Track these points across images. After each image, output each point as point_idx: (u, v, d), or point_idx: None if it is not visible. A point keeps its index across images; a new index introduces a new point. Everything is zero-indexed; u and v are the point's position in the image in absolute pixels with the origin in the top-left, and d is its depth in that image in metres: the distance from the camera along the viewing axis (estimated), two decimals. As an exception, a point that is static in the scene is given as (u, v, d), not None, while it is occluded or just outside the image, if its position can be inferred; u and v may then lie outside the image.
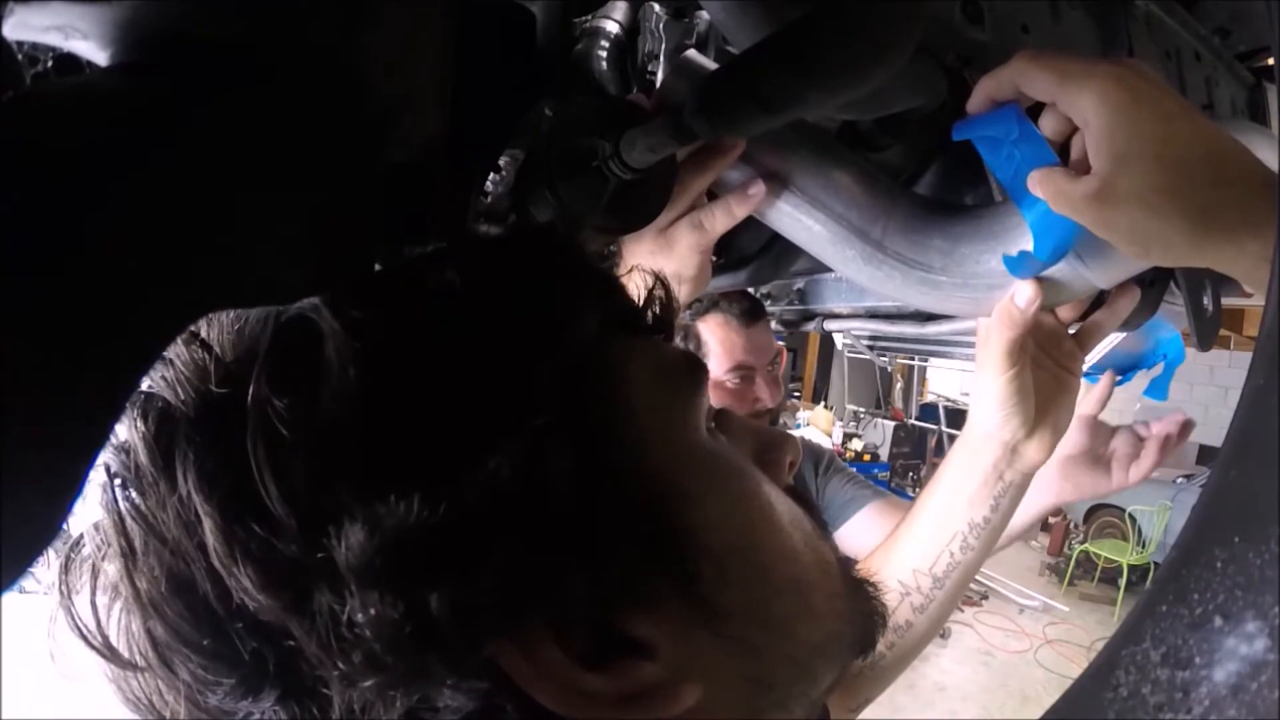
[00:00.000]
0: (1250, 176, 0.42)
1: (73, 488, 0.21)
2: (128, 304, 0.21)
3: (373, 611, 0.24)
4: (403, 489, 0.24)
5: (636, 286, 0.38)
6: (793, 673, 0.32)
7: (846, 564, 0.37)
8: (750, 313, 1.21)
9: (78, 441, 0.21)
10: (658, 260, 0.64)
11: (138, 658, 0.27)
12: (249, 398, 0.25)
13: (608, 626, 0.28)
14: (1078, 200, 0.45)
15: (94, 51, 0.25)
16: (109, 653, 0.27)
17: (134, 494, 0.26)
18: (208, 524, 0.25)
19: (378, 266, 0.32)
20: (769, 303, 1.19)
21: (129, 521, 0.26)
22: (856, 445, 6.40)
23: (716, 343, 1.21)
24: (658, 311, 0.38)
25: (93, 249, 0.20)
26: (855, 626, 0.35)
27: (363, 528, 0.24)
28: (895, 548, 0.71)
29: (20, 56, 0.28)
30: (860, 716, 1.26)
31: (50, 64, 0.30)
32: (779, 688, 0.32)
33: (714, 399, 1.24)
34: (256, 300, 0.27)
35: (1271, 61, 0.79)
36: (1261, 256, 0.41)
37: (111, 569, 0.27)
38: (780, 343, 1.30)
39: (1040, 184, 0.47)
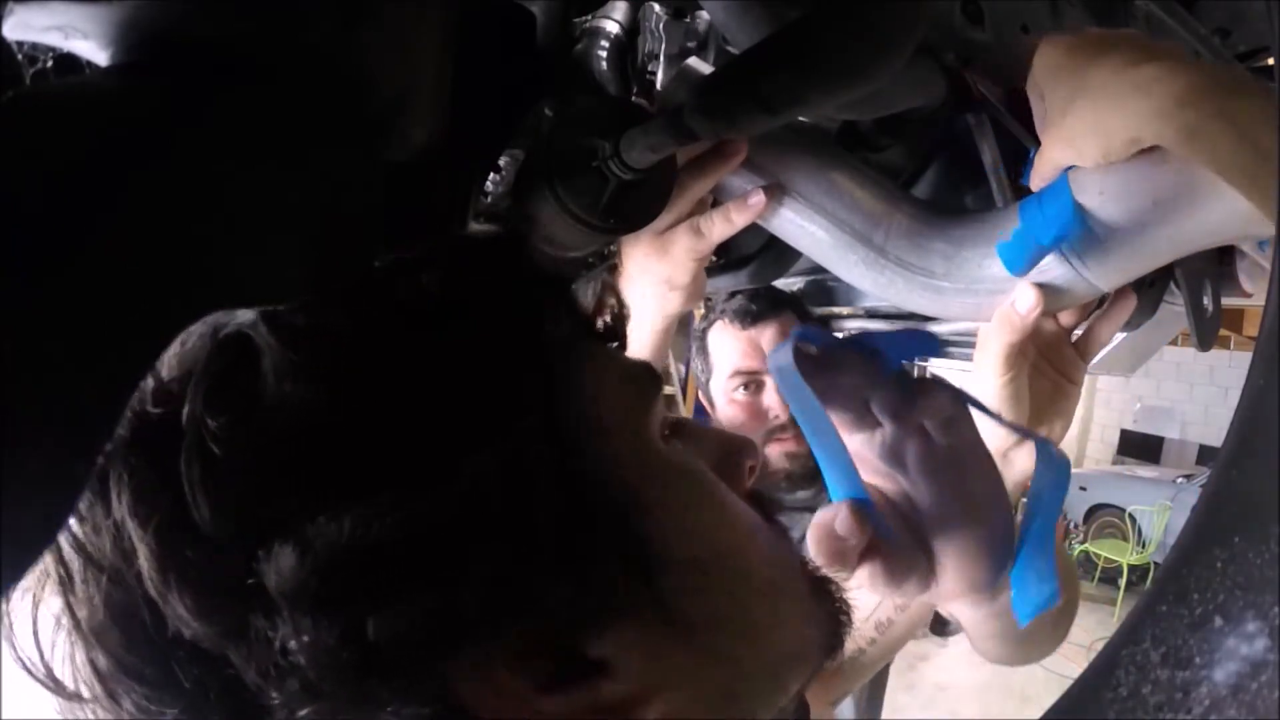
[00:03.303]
0: (1144, 45, 0.42)
1: (73, 488, 0.21)
2: (128, 304, 0.21)
3: (306, 638, 0.23)
4: (334, 509, 0.24)
5: (585, 295, 0.37)
6: (763, 682, 0.32)
7: (808, 566, 0.36)
8: (747, 312, 1.09)
9: (78, 441, 0.21)
10: (652, 264, 0.64)
11: (83, 689, 0.26)
12: (184, 417, 0.25)
13: (569, 644, 0.27)
14: (1049, 147, 0.47)
15: (94, 51, 0.25)
16: (53, 684, 0.26)
17: (71, 520, 0.25)
18: (142, 550, 0.24)
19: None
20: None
21: (66, 549, 0.25)
22: (856, 445, 6.39)
23: (717, 350, 1.12)
24: (609, 319, 0.37)
25: (93, 249, 0.20)
26: (822, 629, 0.34)
27: (294, 549, 0.23)
28: None
29: (20, 56, 0.28)
30: (859, 716, 1.26)
31: (50, 64, 0.30)
32: (749, 697, 0.31)
33: (729, 415, 1.17)
34: (257, 300, 0.27)
35: (1271, 61, 0.79)
36: (1184, 127, 0.39)
37: (53, 599, 0.26)
38: None
39: (1036, 167, 0.49)
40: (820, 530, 0.36)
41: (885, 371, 0.37)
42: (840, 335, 0.38)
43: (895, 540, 0.37)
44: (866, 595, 0.68)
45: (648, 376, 0.34)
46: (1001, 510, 0.38)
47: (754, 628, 0.31)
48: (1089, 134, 0.44)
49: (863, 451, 0.39)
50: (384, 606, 0.24)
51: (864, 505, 0.37)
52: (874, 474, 0.39)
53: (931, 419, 0.36)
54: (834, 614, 0.35)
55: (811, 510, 1.17)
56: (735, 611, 0.31)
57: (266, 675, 0.24)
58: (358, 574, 0.24)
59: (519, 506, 0.26)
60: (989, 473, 0.39)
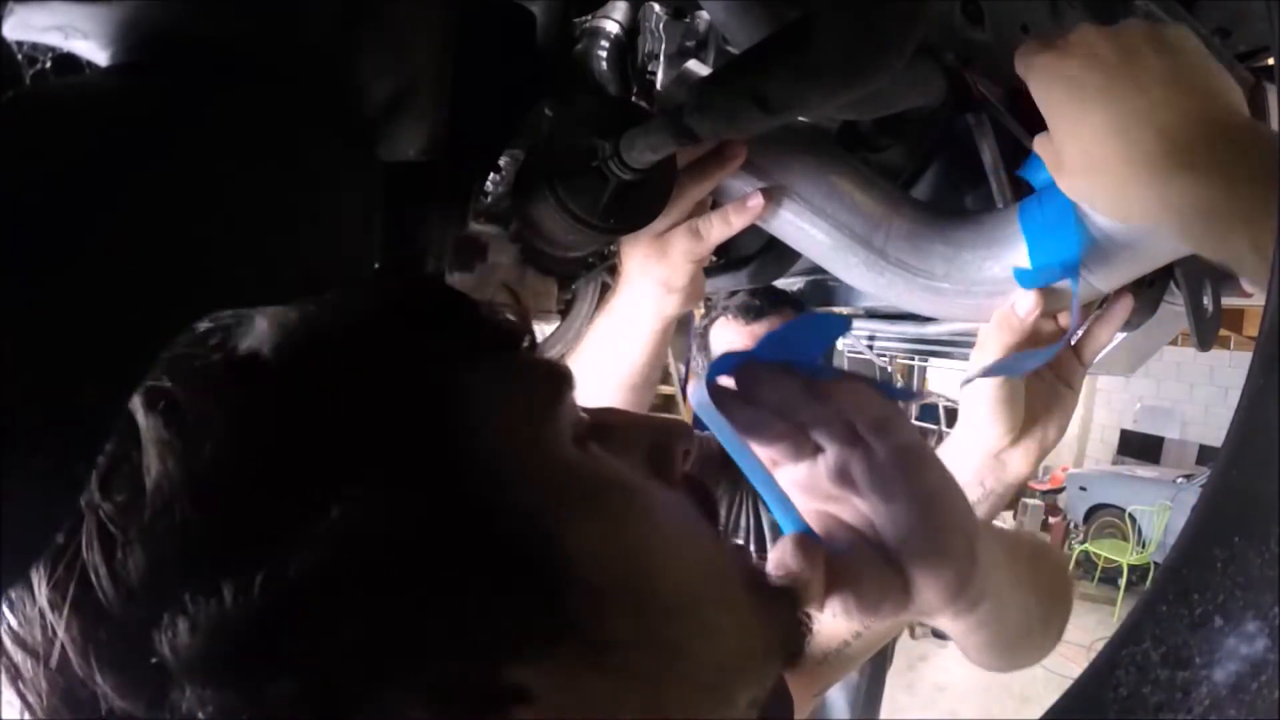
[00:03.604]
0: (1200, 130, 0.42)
1: (73, 488, 0.21)
2: (128, 304, 0.21)
3: (211, 709, 0.24)
4: (212, 583, 0.24)
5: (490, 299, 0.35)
6: (696, 696, 0.30)
7: (759, 572, 0.35)
8: (750, 308, 1.12)
9: (78, 442, 0.21)
10: (650, 265, 0.64)
11: None
12: (83, 502, 0.25)
13: (478, 679, 0.26)
14: (1067, 181, 0.47)
15: (94, 51, 0.25)
16: None
17: (6, 612, 0.26)
18: (63, 635, 0.25)
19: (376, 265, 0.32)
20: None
21: (8, 642, 0.26)
22: (856, 445, 6.38)
23: (718, 346, 1.14)
24: (511, 322, 0.34)
25: (93, 249, 0.20)
26: (771, 636, 0.33)
27: (185, 625, 0.24)
28: None
29: (20, 56, 0.28)
30: (859, 717, 1.26)
31: (50, 64, 0.30)
32: (681, 713, 0.30)
33: None
34: (257, 300, 0.27)
35: (1271, 61, 0.79)
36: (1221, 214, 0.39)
37: (8, 689, 0.27)
38: None
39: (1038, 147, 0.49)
40: (776, 569, 0.35)
41: (807, 377, 0.36)
42: (750, 350, 0.37)
43: (858, 563, 0.36)
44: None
45: (547, 380, 0.32)
46: (958, 504, 0.38)
47: (673, 646, 0.30)
48: (1115, 202, 0.45)
49: (811, 480, 0.38)
50: (277, 672, 0.24)
51: (806, 538, 0.36)
52: (828, 500, 0.38)
53: (864, 424, 0.35)
54: (789, 622, 0.34)
55: None
56: (649, 631, 0.29)
57: None
58: (245, 643, 0.24)
59: (397, 550, 0.26)
60: (935, 468, 0.37)
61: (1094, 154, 0.44)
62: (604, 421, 0.35)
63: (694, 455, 0.37)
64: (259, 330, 0.27)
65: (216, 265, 0.24)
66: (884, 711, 1.32)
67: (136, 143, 0.22)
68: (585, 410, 0.35)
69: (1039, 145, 0.48)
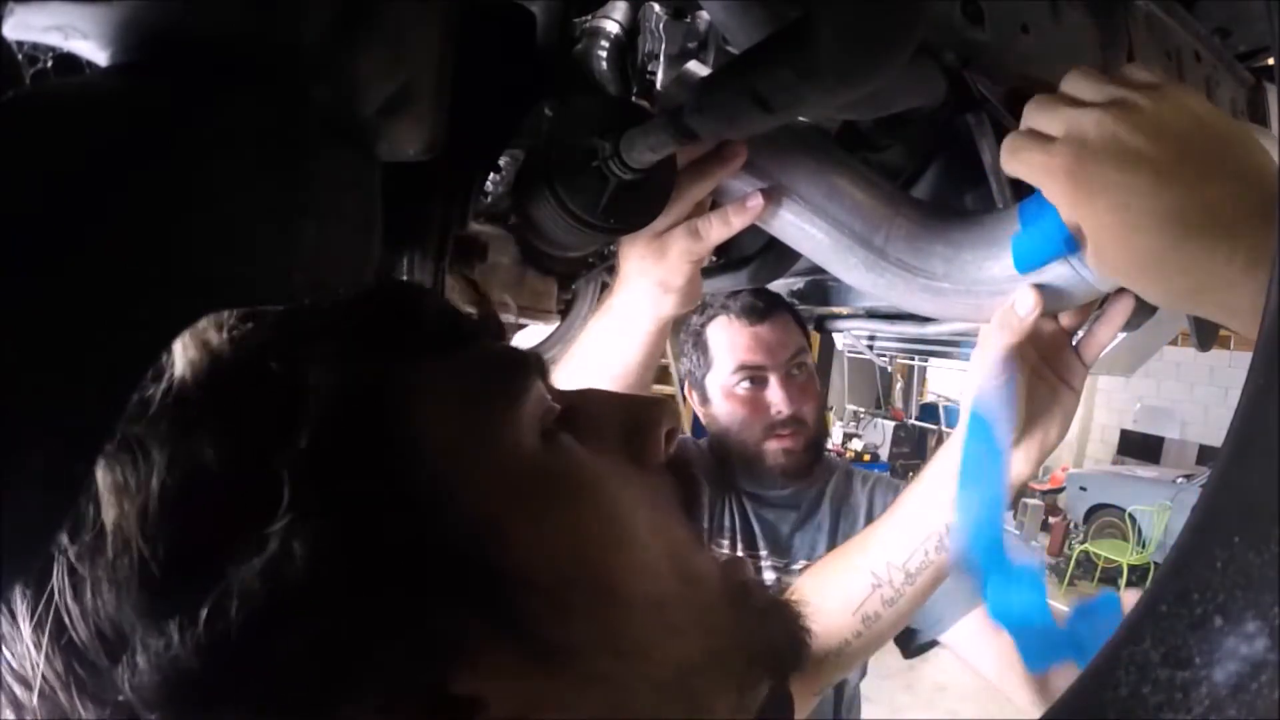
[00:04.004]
0: (1231, 208, 0.40)
1: (73, 488, 0.21)
2: (128, 304, 0.21)
3: None
4: (164, 615, 0.24)
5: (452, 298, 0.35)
6: (658, 698, 0.30)
7: (752, 584, 0.35)
8: (754, 309, 1.12)
9: (78, 441, 0.21)
10: (648, 266, 0.64)
11: None
12: (54, 547, 0.25)
13: (430, 691, 0.26)
14: (1108, 267, 0.46)
15: (94, 51, 0.25)
16: None
17: (4, 649, 0.27)
18: (45, 670, 0.25)
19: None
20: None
21: (6, 678, 0.27)
22: (856, 445, 6.40)
23: (720, 345, 1.15)
24: (467, 317, 0.34)
25: (93, 249, 0.20)
26: (752, 642, 0.32)
27: (144, 659, 0.24)
28: (873, 538, 0.71)
29: (20, 56, 0.28)
30: (859, 716, 1.26)
31: (50, 64, 0.30)
32: (643, 714, 0.29)
33: (728, 410, 1.21)
34: (256, 300, 0.27)
35: (1271, 61, 0.79)
36: (1254, 303, 0.38)
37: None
38: (803, 341, 1.16)
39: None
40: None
41: None
42: None
43: None
44: (853, 585, 0.69)
45: (503, 373, 0.31)
46: None
47: (632, 646, 0.29)
48: (1154, 283, 0.44)
49: None
50: (233, 699, 0.25)
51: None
52: None
53: None
54: (785, 634, 0.34)
55: (795, 508, 1.18)
56: (605, 632, 0.29)
57: None
58: (200, 676, 0.24)
59: (335, 566, 0.25)
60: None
61: (1133, 241, 0.43)
62: (578, 406, 0.34)
63: (676, 439, 0.36)
64: (188, 357, 0.26)
65: (217, 265, 0.24)
66: (884, 711, 1.32)
67: (136, 143, 0.22)
68: (561, 394, 0.34)
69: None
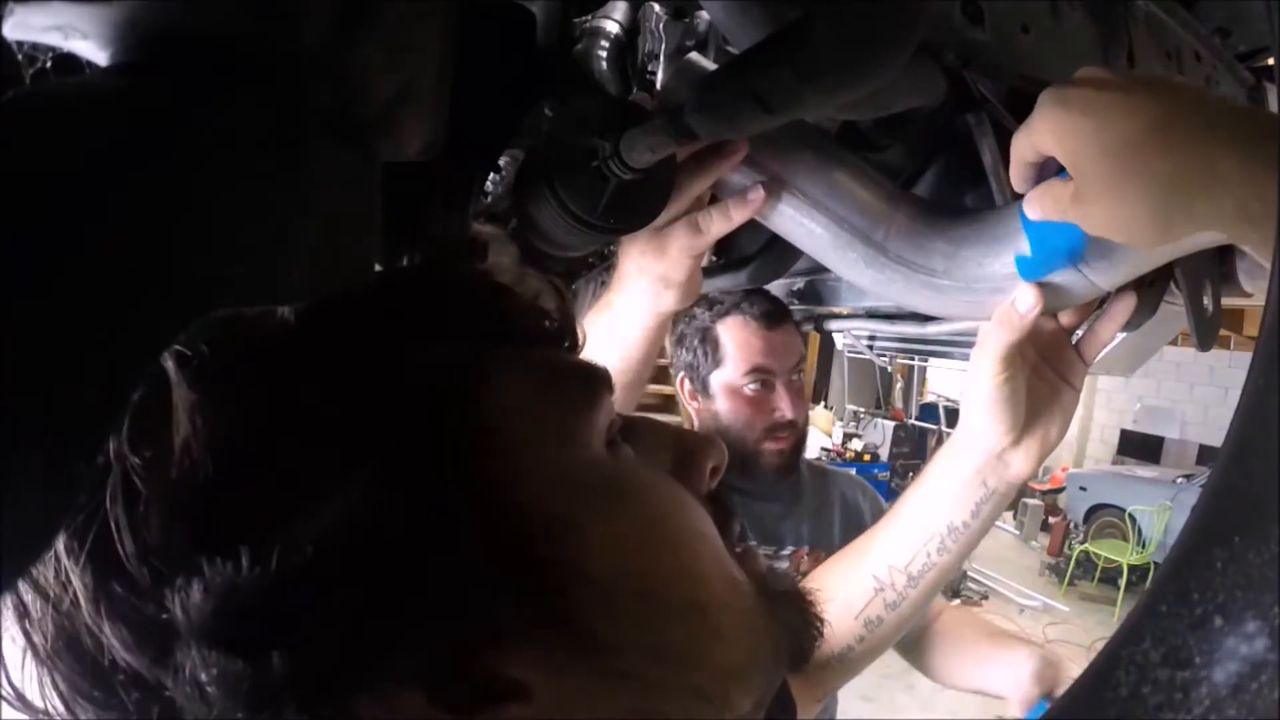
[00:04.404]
0: (1204, 133, 0.41)
1: (73, 488, 0.21)
2: (128, 304, 0.21)
3: (215, 671, 0.24)
4: (231, 545, 0.24)
5: (533, 294, 0.36)
6: (695, 704, 0.30)
7: (769, 576, 0.35)
8: (772, 314, 1.16)
9: (78, 441, 0.21)
10: (648, 261, 0.64)
11: (49, 707, 0.27)
12: (111, 451, 0.25)
13: (477, 669, 0.27)
14: (1065, 204, 0.46)
15: (94, 51, 0.25)
16: (20, 703, 0.27)
17: None
18: (75, 582, 0.25)
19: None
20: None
21: (20, 581, 0.26)
22: (856, 445, 6.39)
23: (734, 345, 1.17)
24: (556, 320, 0.35)
25: (93, 249, 0.20)
26: (779, 641, 0.33)
27: (199, 587, 0.24)
28: (874, 542, 0.71)
29: (20, 56, 0.28)
30: (859, 716, 1.26)
31: (50, 64, 0.30)
32: (682, 716, 0.30)
33: (731, 408, 1.24)
34: (256, 301, 0.27)
35: (1271, 61, 0.79)
36: (1240, 209, 0.39)
37: (13, 626, 0.27)
38: (804, 350, 1.23)
39: (1034, 200, 0.49)
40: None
41: None
42: None
43: None
44: (855, 590, 0.69)
45: (581, 380, 0.33)
46: None
47: (671, 650, 0.30)
48: (1148, 226, 0.44)
49: None
50: (285, 642, 0.25)
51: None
52: None
53: None
54: (798, 625, 0.35)
55: (779, 499, 1.22)
56: (648, 634, 0.29)
57: (193, 701, 0.25)
58: (256, 611, 0.24)
59: (407, 535, 0.26)
60: None
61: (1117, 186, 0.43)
62: (635, 427, 0.36)
63: (721, 473, 0.37)
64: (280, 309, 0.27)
65: (217, 265, 0.24)
66: (884, 711, 1.33)
67: (136, 143, 0.22)
68: (621, 414, 0.36)
69: (1046, 192, 0.48)
